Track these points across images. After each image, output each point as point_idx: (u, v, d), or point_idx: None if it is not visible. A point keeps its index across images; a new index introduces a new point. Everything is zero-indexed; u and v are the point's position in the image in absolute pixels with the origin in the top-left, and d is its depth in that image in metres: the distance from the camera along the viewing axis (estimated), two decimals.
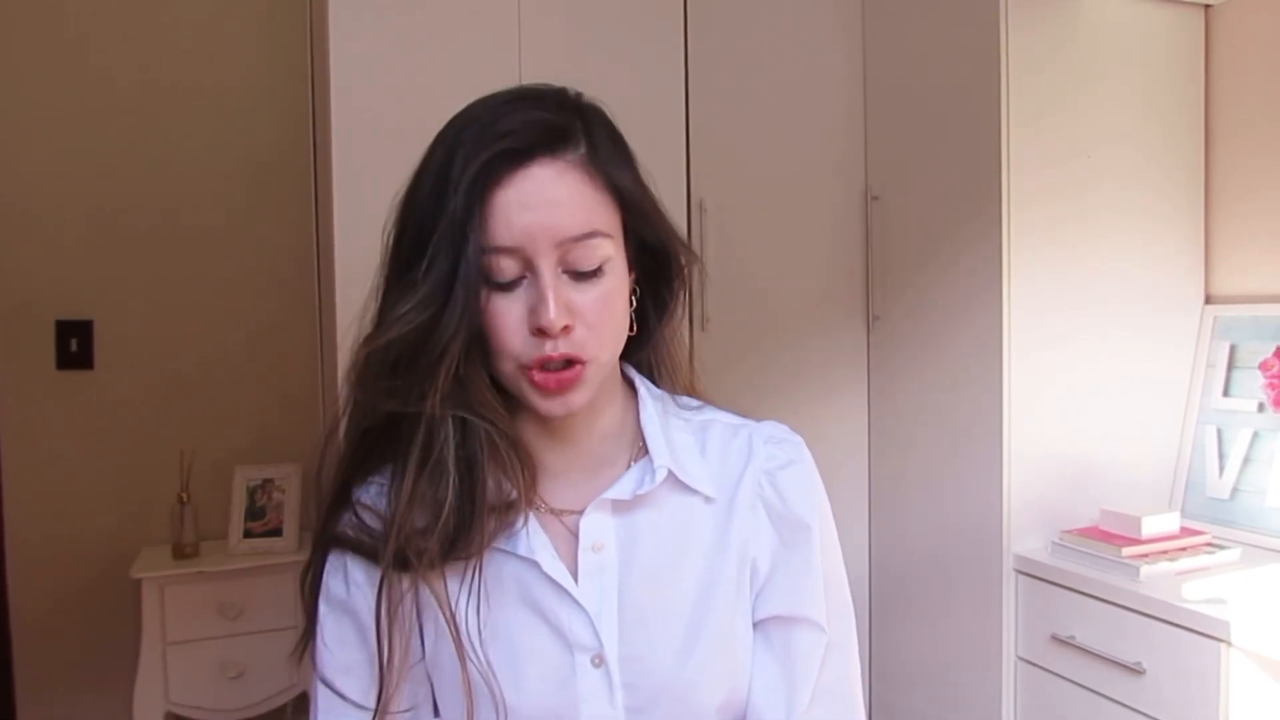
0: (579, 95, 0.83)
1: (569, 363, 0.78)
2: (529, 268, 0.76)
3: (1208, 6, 1.98)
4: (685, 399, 0.93)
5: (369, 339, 0.79)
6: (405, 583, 0.80)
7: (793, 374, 2.19)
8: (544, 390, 0.78)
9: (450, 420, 0.78)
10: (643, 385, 0.90)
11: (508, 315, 0.77)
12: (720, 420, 0.90)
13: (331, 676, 0.83)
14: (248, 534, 2.33)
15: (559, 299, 0.75)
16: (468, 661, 0.79)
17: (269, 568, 2.27)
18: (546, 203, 0.75)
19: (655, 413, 0.87)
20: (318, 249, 2.33)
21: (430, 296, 0.75)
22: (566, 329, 0.76)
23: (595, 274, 0.78)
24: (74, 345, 2.38)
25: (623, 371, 0.90)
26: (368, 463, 0.83)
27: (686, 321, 2.04)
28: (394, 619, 0.79)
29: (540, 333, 0.76)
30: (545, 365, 0.77)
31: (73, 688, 2.38)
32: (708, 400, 0.94)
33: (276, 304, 2.51)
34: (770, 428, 0.90)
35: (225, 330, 2.49)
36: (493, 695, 0.79)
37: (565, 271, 0.77)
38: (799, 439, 0.91)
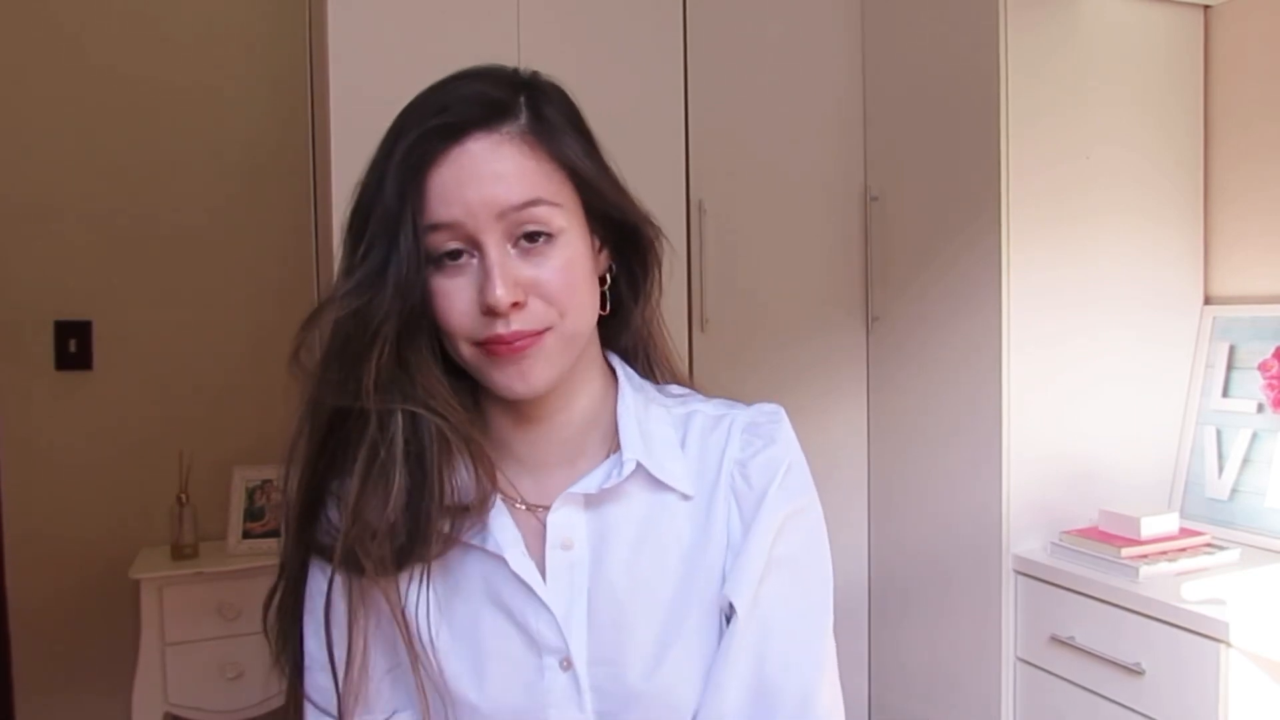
0: (535, 74, 0.80)
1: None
2: (474, 245, 0.73)
3: (1207, 7, 1.98)
4: (670, 387, 0.88)
5: (306, 321, 0.77)
6: (364, 585, 0.76)
7: (792, 375, 2.19)
8: (501, 360, 0.75)
9: (400, 415, 0.75)
10: (624, 373, 0.86)
11: (456, 297, 0.74)
12: (703, 411, 0.85)
13: (324, 699, 0.80)
14: (247, 535, 2.33)
15: (506, 275, 0.73)
16: (419, 666, 0.76)
17: (268, 568, 2.21)
18: (483, 176, 0.73)
19: (633, 403, 0.83)
20: (316, 249, 2.33)
21: (366, 280, 0.73)
22: (518, 305, 0.73)
23: (547, 246, 0.74)
24: (73, 346, 2.38)
25: (606, 359, 0.86)
26: (331, 470, 0.79)
27: (686, 318, 2.07)
28: (354, 621, 0.76)
29: (490, 311, 0.73)
30: (498, 344, 0.74)
31: (71, 688, 2.37)
32: (695, 389, 0.90)
33: (275, 304, 2.50)
34: (751, 414, 0.85)
35: (224, 331, 2.49)
36: (441, 700, 0.77)
37: (514, 247, 0.74)
38: (779, 418, 0.85)
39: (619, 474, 0.79)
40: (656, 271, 0.85)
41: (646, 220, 0.83)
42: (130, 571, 2.20)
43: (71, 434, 2.38)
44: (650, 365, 0.89)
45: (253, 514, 2.35)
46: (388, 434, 0.75)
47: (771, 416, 0.85)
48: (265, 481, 2.37)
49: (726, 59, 2.14)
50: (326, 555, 0.78)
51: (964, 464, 1.95)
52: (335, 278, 0.79)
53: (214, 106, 2.47)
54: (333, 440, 0.78)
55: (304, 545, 0.81)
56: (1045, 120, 1.85)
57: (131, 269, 2.42)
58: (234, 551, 2.30)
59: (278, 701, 2.28)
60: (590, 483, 0.80)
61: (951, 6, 1.95)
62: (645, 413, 0.83)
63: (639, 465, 0.79)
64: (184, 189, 2.46)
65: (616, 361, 0.87)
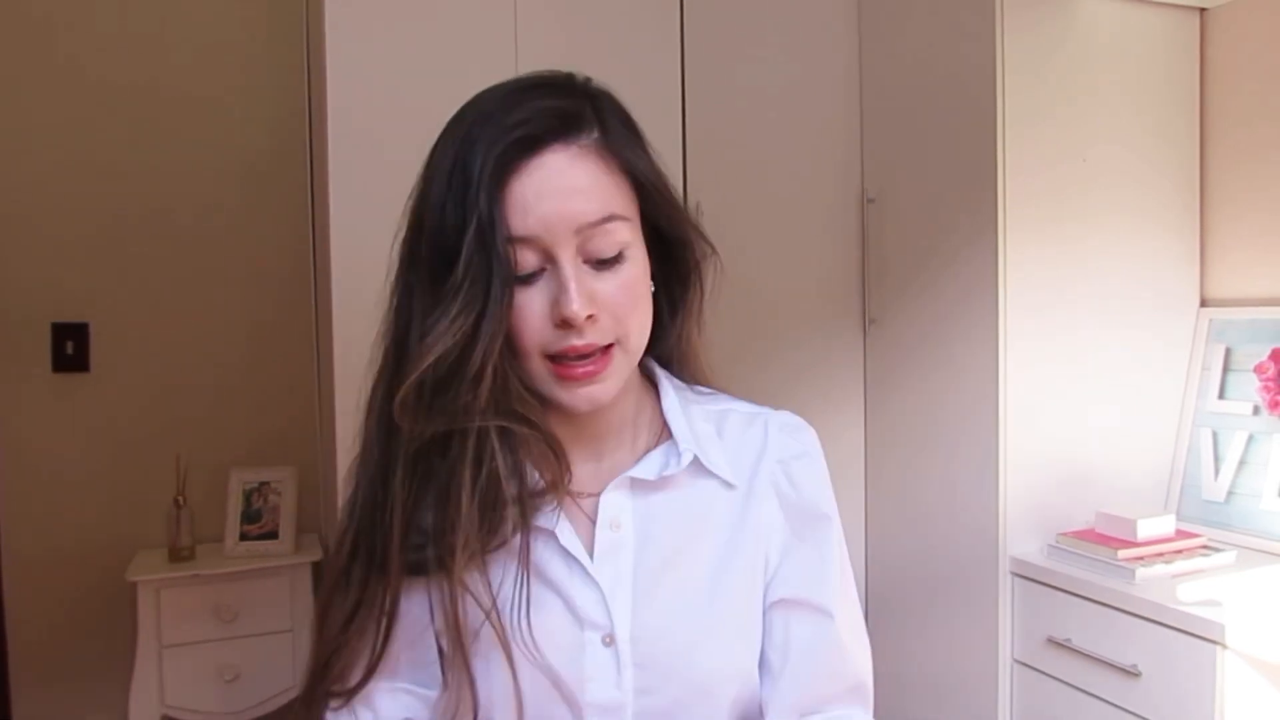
0: (588, 80, 0.82)
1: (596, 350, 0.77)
2: (548, 258, 0.74)
3: (1203, 10, 1.99)
4: (699, 388, 0.92)
5: (411, 363, 0.74)
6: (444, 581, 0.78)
7: (789, 377, 2.19)
8: (570, 381, 0.76)
9: (493, 430, 0.76)
10: (663, 375, 0.89)
11: (530, 309, 0.75)
12: (736, 409, 0.90)
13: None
14: (244, 537, 2.32)
15: (582, 288, 0.74)
16: (512, 646, 0.77)
17: (265, 570, 2.26)
18: (562, 190, 0.74)
19: (676, 400, 0.87)
20: (314, 252, 2.33)
21: (470, 302, 0.72)
22: (591, 319, 0.75)
23: (616, 261, 0.76)
24: (70, 348, 2.37)
25: (642, 363, 0.89)
26: (421, 493, 0.79)
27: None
28: (456, 620, 0.77)
29: (565, 324, 0.74)
30: (571, 356, 0.75)
31: (68, 690, 2.37)
32: (721, 390, 0.94)
33: (273, 307, 2.51)
34: (785, 416, 0.90)
35: (222, 333, 2.49)
36: (476, 677, 0.78)
37: (586, 261, 0.75)
38: (811, 429, 0.91)
39: (678, 463, 0.83)
40: (697, 288, 0.87)
41: (699, 235, 0.85)
42: (127, 574, 2.20)
43: (68, 436, 2.38)
44: (679, 368, 0.92)
45: (250, 516, 2.34)
46: (489, 448, 0.77)
47: (804, 425, 0.91)
48: (262, 484, 2.37)
49: (723, 61, 2.15)
50: (420, 571, 0.79)
51: (961, 466, 1.95)
52: (397, 292, 0.78)
53: (212, 109, 2.47)
54: (423, 466, 0.78)
55: (399, 573, 0.80)
56: (1042, 122, 1.86)
57: (129, 272, 2.42)
58: (231, 554, 2.30)
59: (275, 703, 2.28)
60: (648, 470, 0.83)
61: (948, 9, 1.96)
62: (687, 408, 0.88)
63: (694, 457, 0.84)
64: (182, 192, 2.46)
65: (652, 364, 0.90)
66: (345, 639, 0.81)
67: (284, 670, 2.26)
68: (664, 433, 0.86)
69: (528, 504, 0.79)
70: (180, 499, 2.30)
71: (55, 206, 2.37)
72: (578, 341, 0.75)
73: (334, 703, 0.83)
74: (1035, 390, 1.87)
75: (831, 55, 2.24)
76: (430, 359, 0.73)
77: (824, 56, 2.23)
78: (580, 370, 0.76)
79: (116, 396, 2.41)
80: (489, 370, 0.74)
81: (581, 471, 0.85)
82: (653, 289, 0.83)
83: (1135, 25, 1.94)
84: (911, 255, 2.10)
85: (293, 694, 2.28)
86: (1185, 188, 2.00)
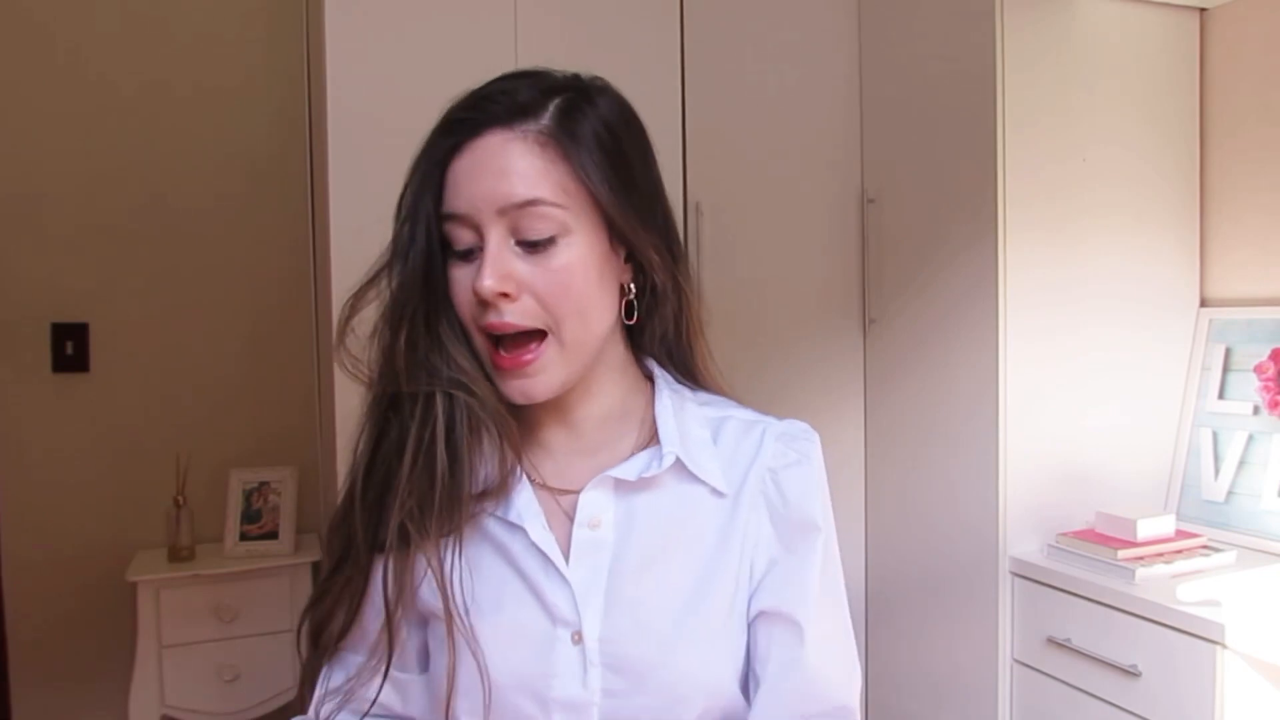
0: (594, 83, 0.83)
1: (526, 337, 0.78)
2: (481, 236, 0.77)
3: (1203, 10, 1.99)
4: (703, 394, 0.92)
5: (349, 310, 0.84)
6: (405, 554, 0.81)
7: (788, 377, 2.19)
8: (503, 370, 0.79)
9: (439, 397, 0.79)
10: (662, 377, 0.89)
11: (461, 283, 0.79)
12: (737, 416, 0.89)
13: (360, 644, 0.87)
14: (244, 537, 2.32)
15: (497, 266, 0.76)
16: (454, 626, 0.79)
17: (265, 570, 2.26)
18: (492, 170, 0.76)
19: (670, 403, 0.86)
20: (314, 252, 2.33)
21: (388, 269, 0.81)
22: (507, 297, 0.76)
23: (546, 245, 0.77)
24: (69, 348, 2.37)
25: (643, 363, 0.90)
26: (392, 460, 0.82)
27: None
28: (401, 589, 0.81)
29: (479, 298, 0.77)
30: (492, 334, 0.78)
31: (68, 691, 2.37)
32: (730, 397, 0.93)
33: (273, 307, 2.50)
34: (787, 425, 0.89)
35: (222, 333, 2.49)
36: (477, 663, 0.79)
37: (518, 242, 0.77)
38: (813, 437, 0.89)
39: (659, 465, 0.83)
40: (671, 299, 0.87)
41: (649, 254, 0.83)
42: (127, 574, 2.20)
43: (68, 436, 2.38)
44: (684, 374, 0.92)
45: (250, 516, 2.34)
46: (431, 415, 0.79)
47: (805, 433, 0.89)
48: (263, 484, 2.37)
49: (723, 61, 2.15)
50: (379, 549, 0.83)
51: (961, 466, 1.95)
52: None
53: (211, 110, 2.47)
54: (390, 431, 0.82)
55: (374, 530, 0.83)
56: (1041, 122, 1.86)
57: (129, 271, 2.42)
58: (231, 554, 2.30)
59: (275, 704, 2.28)
60: (629, 470, 0.83)
61: (948, 9, 1.96)
62: (681, 412, 0.87)
63: (676, 459, 0.83)
64: (182, 191, 2.45)
65: (654, 366, 0.90)
66: (330, 585, 0.85)
67: (284, 670, 2.26)
68: (655, 434, 0.85)
69: (462, 503, 0.80)
70: (180, 499, 2.29)
71: (55, 206, 2.37)
72: (494, 319, 0.77)
73: (321, 641, 0.87)
74: (1035, 390, 1.87)
75: (831, 55, 2.24)
76: (364, 308, 0.82)
77: (824, 57, 2.23)
78: (509, 358, 0.78)
79: (116, 396, 2.41)
80: (405, 331, 0.79)
81: (564, 467, 0.85)
82: (633, 289, 0.84)
83: (1135, 25, 1.94)
84: (911, 255, 2.10)
85: (293, 694, 2.29)
86: (1185, 188, 2.01)
